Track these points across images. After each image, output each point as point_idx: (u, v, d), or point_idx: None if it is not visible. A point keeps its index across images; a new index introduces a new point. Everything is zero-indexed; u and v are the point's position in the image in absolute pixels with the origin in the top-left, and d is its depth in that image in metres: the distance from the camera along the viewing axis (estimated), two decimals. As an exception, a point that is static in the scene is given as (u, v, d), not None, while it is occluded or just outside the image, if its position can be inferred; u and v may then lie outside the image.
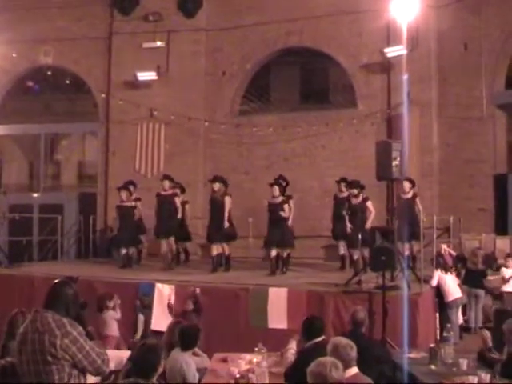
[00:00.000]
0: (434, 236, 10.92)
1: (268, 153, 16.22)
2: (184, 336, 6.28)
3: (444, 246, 11.73)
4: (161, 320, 9.96)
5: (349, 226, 11.36)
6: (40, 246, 16.35)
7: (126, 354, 6.87)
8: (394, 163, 9.85)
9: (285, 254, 11.78)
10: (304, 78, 18.33)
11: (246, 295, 10.03)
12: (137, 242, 13.40)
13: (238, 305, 10.00)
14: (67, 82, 18.96)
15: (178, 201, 12.53)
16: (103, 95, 17.27)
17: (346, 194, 11.93)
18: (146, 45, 16.62)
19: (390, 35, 14.89)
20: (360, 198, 11.43)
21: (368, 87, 15.56)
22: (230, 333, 9.66)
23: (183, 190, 13.31)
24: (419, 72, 14.50)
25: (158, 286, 10.53)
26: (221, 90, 16.90)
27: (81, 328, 4.09)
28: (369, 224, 11.15)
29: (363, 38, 15.39)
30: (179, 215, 12.47)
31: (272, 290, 9.96)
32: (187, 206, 13.20)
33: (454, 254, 11.86)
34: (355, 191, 11.45)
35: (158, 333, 8.99)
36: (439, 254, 11.14)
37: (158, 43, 16.65)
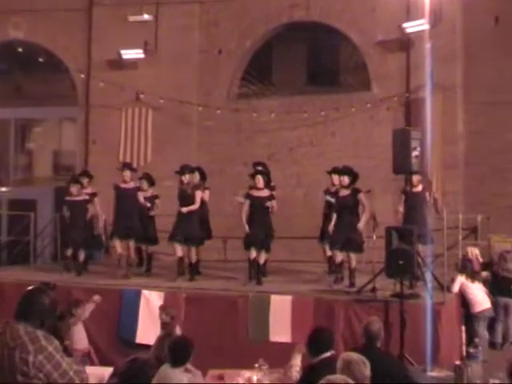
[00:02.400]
0: (459, 237, 10.91)
1: (270, 142, 16.21)
2: (175, 350, 6.26)
3: (475, 250, 11.63)
4: (148, 332, 9.94)
5: (332, 224, 10.87)
6: (9, 247, 16.35)
7: (107, 370, 6.87)
8: (414, 154, 9.83)
9: (262, 260, 11.36)
10: (311, 57, 18.29)
11: (245, 304, 10.01)
12: (89, 244, 12.85)
13: (235, 315, 9.99)
14: (41, 60, 18.92)
15: (141, 196, 12.22)
16: (82, 76, 17.25)
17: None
18: (131, 18, 16.59)
19: (409, 8, 14.88)
20: (350, 190, 10.94)
21: (384, 67, 15.54)
22: (226, 346, 9.66)
23: (152, 183, 12.97)
24: (443, 50, 14.46)
25: (145, 293, 10.51)
26: (217, 71, 16.87)
27: (57, 342, 4.07)
28: (362, 223, 10.76)
29: (378, 11, 15.36)
30: (145, 213, 12.13)
31: (274, 298, 9.95)
32: (157, 202, 12.77)
33: (480, 259, 11.82)
34: (345, 179, 10.95)
35: (144, 347, 9.00)
36: (466, 258, 11.11)
37: (146, 16, 16.62)
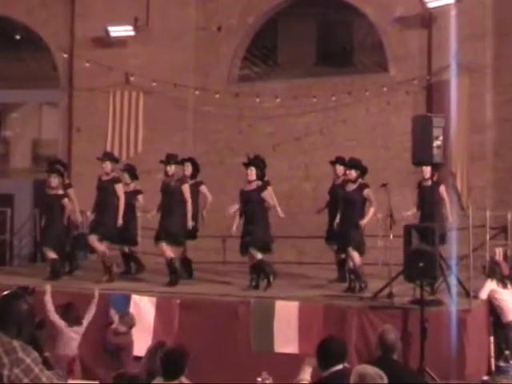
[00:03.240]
0: (487, 237, 10.90)
1: (275, 130, 16.20)
2: (168, 362, 6.24)
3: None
4: (138, 342, 9.90)
5: (337, 221, 11.09)
6: (-17, 247, 16.37)
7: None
8: (436, 143, 9.83)
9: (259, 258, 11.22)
10: (321, 35, 18.31)
11: (247, 311, 10.03)
12: (65, 244, 12.83)
13: (236, 323, 10.00)
14: (17, 37, 18.88)
15: (119, 189, 12.11)
16: (65, 55, 17.23)
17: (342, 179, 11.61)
18: (120, -9, 16.62)
19: (431, -21, 14.85)
20: (357, 185, 11.04)
21: (403, 47, 15.51)
22: (226, 358, 9.67)
23: (135, 176, 12.95)
24: (470, 27, 14.42)
25: (135, 298, 10.55)
26: (215, 50, 16.85)
27: (36, 354, 4.04)
28: (366, 219, 10.89)
29: (397, -18, 15.35)
30: (121, 209, 11.99)
31: (279, 305, 9.96)
32: (140, 198, 12.75)
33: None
34: (353, 173, 11.06)
35: (134, 358, 9.03)
36: (494, 261, 11.10)
37: (136, -11, 16.65)
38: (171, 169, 11.79)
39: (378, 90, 15.41)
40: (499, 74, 14.80)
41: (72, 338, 9.32)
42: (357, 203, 10.98)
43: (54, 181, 12.47)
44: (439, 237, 10.31)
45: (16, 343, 3.98)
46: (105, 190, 12.16)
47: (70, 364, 9.13)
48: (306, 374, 6.42)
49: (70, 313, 9.42)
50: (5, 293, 4.20)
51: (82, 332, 9.44)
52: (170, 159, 11.88)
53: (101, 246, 12.14)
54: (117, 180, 12.26)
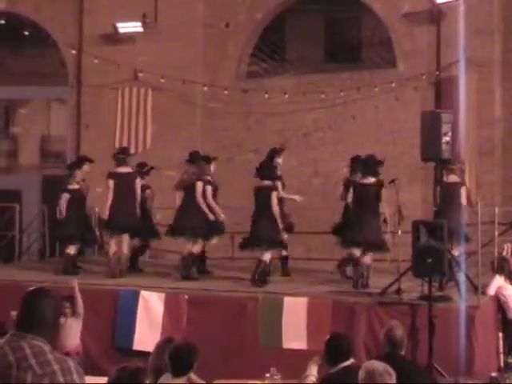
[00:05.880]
0: (496, 233, 10.86)
1: (283, 126, 16.19)
2: (177, 358, 6.26)
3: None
4: (146, 337, 10.00)
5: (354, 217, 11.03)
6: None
7: (101, 380, 6.92)
8: (445, 139, 9.83)
9: (267, 258, 11.26)
10: (329, 31, 18.27)
11: (255, 307, 10.03)
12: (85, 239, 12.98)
13: (244, 319, 10.01)
14: (26, 33, 18.92)
15: (138, 183, 12.16)
16: (73, 51, 17.24)
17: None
18: (128, -13, 16.61)
19: (440, -26, 14.81)
20: (375, 178, 11.06)
21: (411, 42, 15.48)
22: (234, 354, 9.68)
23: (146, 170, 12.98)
24: (478, 22, 14.38)
25: (144, 294, 10.54)
26: (224, 46, 16.85)
27: (72, 363, 3.70)
28: (388, 218, 10.89)
29: (406, -22, 15.31)
30: (137, 201, 12.13)
31: (288, 301, 9.97)
32: (149, 192, 12.84)
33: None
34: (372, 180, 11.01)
35: (143, 354, 9.04)
36: (502, 257, 11.08)
37: (144, -15, 16.65)
38: (191, 167, 11.89)
39: (387, 86, 15.39)
40: (508, 70, 14.76)
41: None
42: (374, 197, 10.93)
43: (79, 174, 12.55)
44: (457, 235, 10.33)
45: (46, 348, 3.67)
46: (123, 184, 12.10)
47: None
48: (313, 370, 6.45)
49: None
50: (29, 289, 3.84)
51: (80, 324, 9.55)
52: (194, 157, 12.01)
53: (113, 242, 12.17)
54: (135, 175, 12.28)
